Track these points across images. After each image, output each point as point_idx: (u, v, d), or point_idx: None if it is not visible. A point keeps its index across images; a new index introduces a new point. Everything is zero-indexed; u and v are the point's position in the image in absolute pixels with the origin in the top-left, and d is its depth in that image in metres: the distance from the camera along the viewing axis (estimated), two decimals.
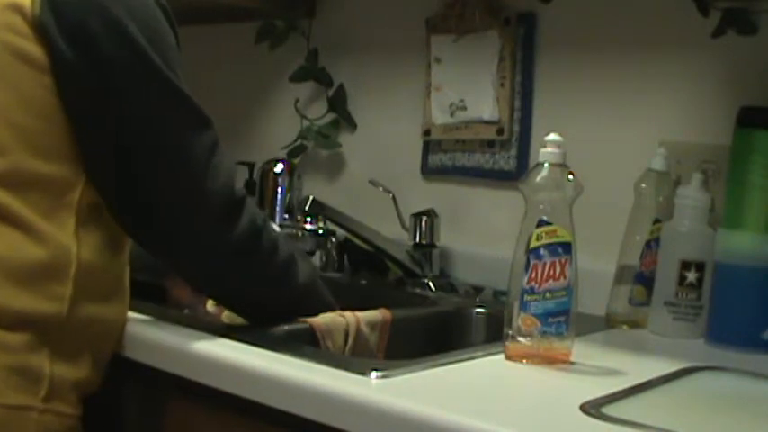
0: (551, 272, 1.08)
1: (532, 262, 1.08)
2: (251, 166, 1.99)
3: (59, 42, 1.05)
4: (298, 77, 1.98)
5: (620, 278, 1.41)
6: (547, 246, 1.08)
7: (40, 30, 1.05)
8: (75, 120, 1.08)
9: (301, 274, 1.25)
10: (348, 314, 1.37)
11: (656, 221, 1.38)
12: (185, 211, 1.12)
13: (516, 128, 1.67)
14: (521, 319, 1.09)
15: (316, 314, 1.29)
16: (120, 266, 1.18)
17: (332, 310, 1.32)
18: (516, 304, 1.10)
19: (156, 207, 1.12)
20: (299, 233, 1.58)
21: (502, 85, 1.68)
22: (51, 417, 1.07)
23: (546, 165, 1.11)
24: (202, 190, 1.11)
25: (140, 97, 1.09)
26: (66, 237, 1.08)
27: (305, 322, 1.34)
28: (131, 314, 1.26)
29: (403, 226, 1.73)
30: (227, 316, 1.37)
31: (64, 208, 1.09)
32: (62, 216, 1.08)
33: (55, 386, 1.07)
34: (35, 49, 1.05)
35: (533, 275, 1.08)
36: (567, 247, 1.09)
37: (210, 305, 1.42)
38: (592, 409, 0.91)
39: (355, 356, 1.32)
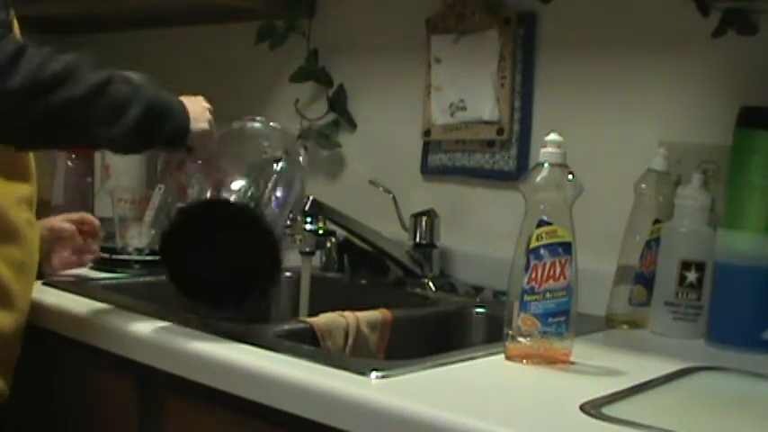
0: (551, 272, 1.08)
1: (532, 262, 1.08)
2: None
3: None
4: (298, 77, 1.98)
5: (620, 278, 1.41)
6: (547, 246, 1.08)
7: None
8: None
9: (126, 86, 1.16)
10: (348, 314, 1.37)
11: (656, 221, 1.38)
12: None
13: (516, 128, 1.67)
14: (521, 320, 1.09)
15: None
16: None
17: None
18: (516, 304, 1.10)
19: None
20: (300, 233, 1.58)
21: (502, 85, 1.67)
22: None
23: (546, 165, 1.11)
24: None
25: None
26: None
27: (305, 322, 1.34)
28: (132, 314, 1.26)
29: (403, 226, 1.73)
30: None
31: None
32: None
33: None
34: None
35: (533, 275, 1.08)
36: (567, 247, 1.09)
37: None
38: (592, 409, 0.91)
39: (355, 356, 1.32)
